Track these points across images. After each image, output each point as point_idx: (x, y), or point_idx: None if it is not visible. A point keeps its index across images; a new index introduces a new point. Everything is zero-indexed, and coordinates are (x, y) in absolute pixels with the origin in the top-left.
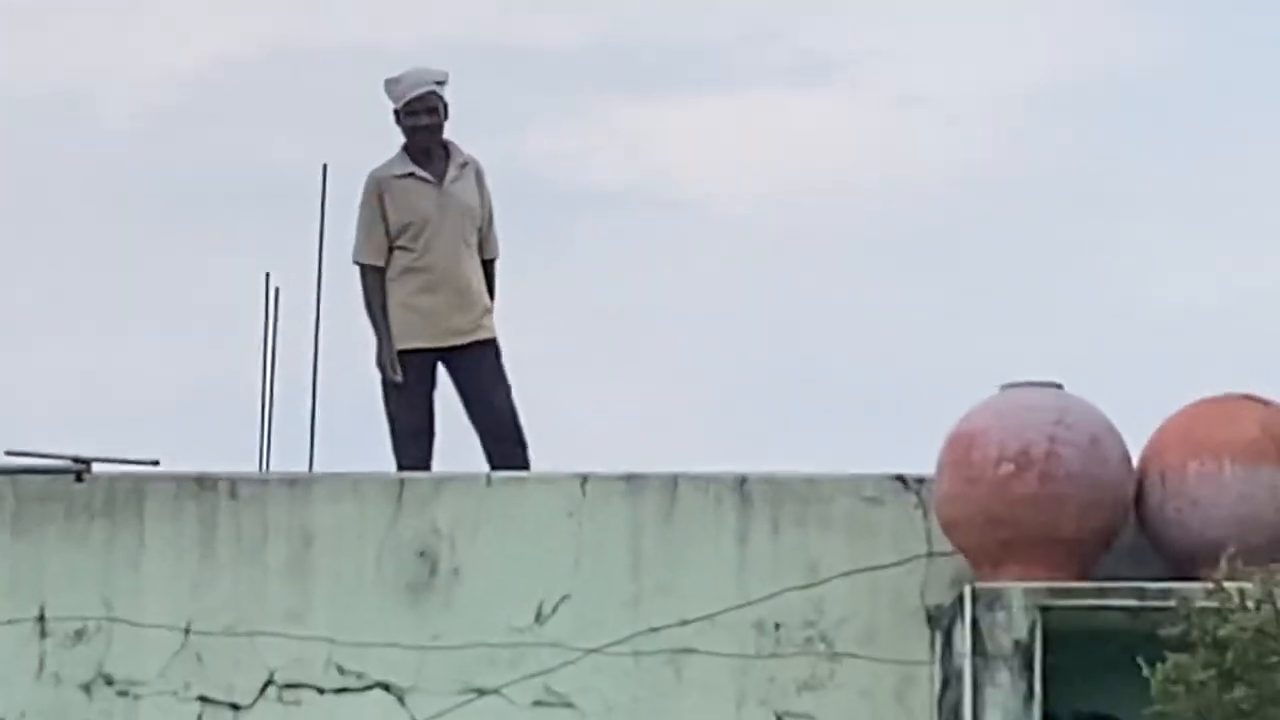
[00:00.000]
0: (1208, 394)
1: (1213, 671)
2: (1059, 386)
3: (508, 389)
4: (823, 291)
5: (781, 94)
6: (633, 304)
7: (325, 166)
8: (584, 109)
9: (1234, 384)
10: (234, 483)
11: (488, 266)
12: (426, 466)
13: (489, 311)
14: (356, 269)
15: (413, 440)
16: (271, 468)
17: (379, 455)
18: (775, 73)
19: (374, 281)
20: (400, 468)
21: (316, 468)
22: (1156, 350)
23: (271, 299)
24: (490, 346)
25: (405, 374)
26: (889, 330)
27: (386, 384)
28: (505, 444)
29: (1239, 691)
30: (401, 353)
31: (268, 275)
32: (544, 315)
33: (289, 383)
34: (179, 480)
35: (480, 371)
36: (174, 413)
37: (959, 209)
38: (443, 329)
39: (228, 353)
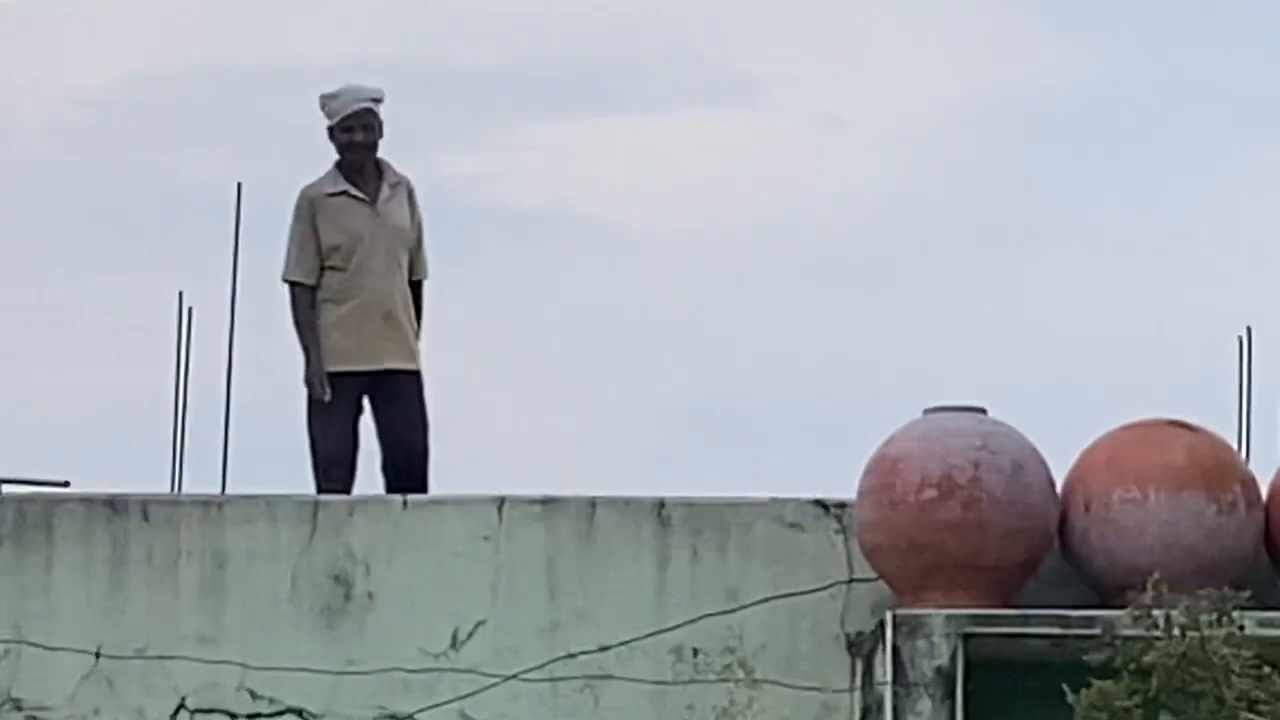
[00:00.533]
0: (1132, 419)
1: (1137, 699)
2: (983, 411)
3: (426, 429)
4: (742, 314)
5: (701, 114)
6: (550, 324)
7: (240, 185)
8: (501, 128)
9: (1158, 411)
10: (146, 504)
11: (415, 288)
12: (347, 492)
13: (417, 337)
14: (286, 287)
15: (334, 465)
16: (184, 489)
17: (293, 477)
18: (695, 93)
19: (304, 300)
20: (320, 492)
21: (229, 489)
22: (1080, 376)
23: (184, 318)
24: (416, 380)
25: (332, 396)
26: (810, 354)
27: (312, 405)
28: (409, 485)
29: (1164, 718)
30: (329, 375)
31: (181, 294)
32: (460, 335)
33: (202, 403)
34: (90, 502)
35: (404, 407)
36: (85, 433)
37: (880, 232)
38: (371, 353)
39: (140, 373)
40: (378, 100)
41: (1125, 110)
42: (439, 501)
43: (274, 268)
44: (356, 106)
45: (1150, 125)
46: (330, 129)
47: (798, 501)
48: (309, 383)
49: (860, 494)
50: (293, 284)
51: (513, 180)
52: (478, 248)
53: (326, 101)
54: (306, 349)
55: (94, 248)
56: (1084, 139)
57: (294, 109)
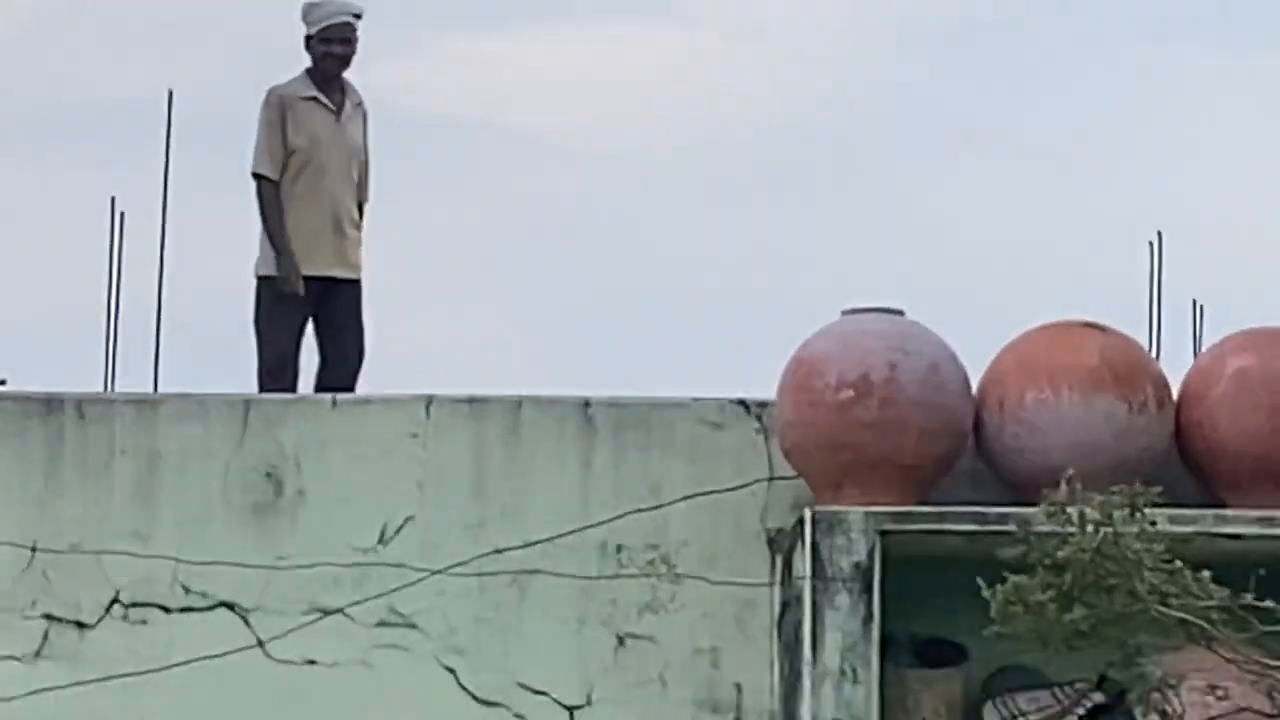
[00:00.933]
0: (1046, 322)
1: (1052, 593)
2: (900, 313)
3: (362, 338)
4: (665, 220)
5: (624, 26)
6: (476, 230)
7: (171, 92)
8: (426, 40)
9: (1071, 313)
10: (81, 403)
11: (358, 210)
12: (291, 390)
13: (359, 250)
14: (253, 180)
15: (282, 364)
16: (117, 389)
17: (225, 377)
18: (618, 5)
19: (271, 194)
20: (263, 390)
21: (162, 389)
22: (996, 280)
23: (117, 222)
24: (357, 290)
25: (284, 297)
26: (731, 257)
27: (263, 303)
28: (341, 389)
29: (1077, 612)
30: (276, 277)
31: (113, 199)
32: (389, 240)
33: (134, 305)
34: (25, 400)
35: (345, 315)
36: (20, 333)
37: (800, 139)
38: (322, 259)
39: (74, 275)
40: (358, 16)
41: (1041, 16)
42: (367, 401)
43: (204, 172)
44: (339, 19)
45: (1066, 31)
46: (308, 38)
47: (719, 401)
48: (282, 276)
49: (780, 394)
50: (260, 177)
51: (438, 90)
52: (404, 155)
53: (309, 10)
54: (276, 243)
55: (28, 154)
56: (1001, 47)
57: (227, 17)
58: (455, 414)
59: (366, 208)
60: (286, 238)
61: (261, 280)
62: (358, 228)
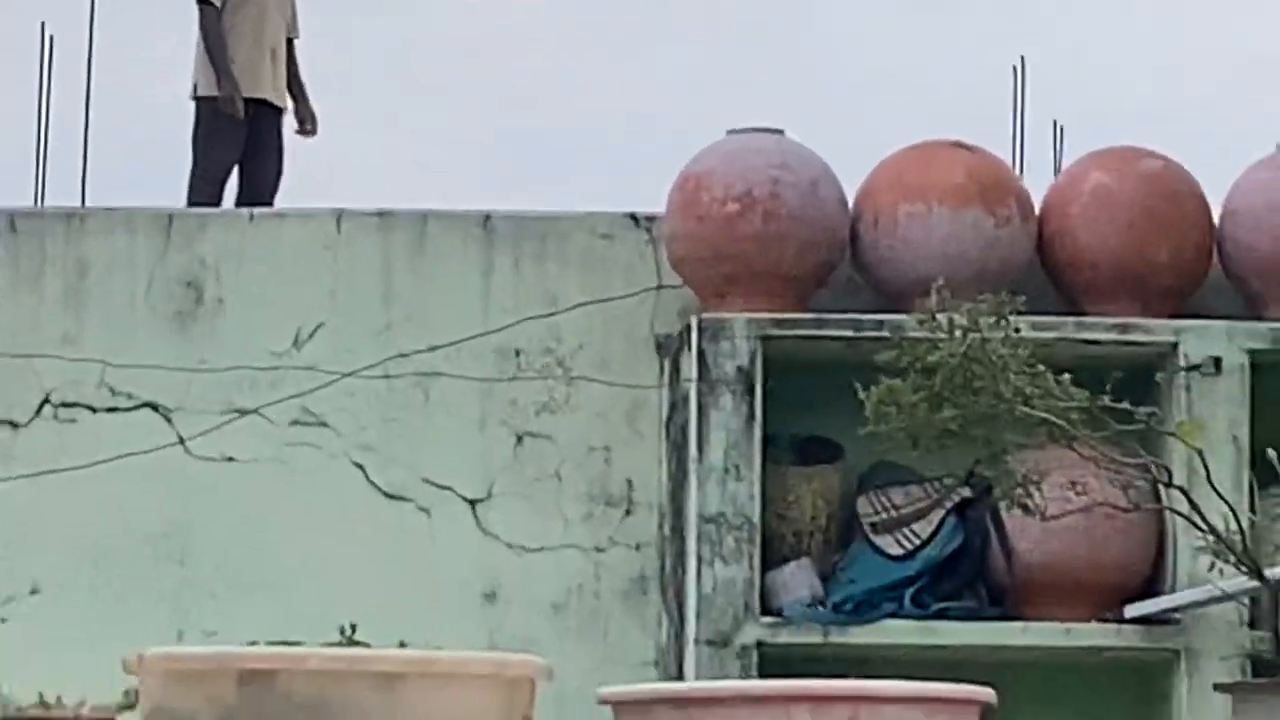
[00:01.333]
0: (917, 141)
1: (922, 395)
2: (781, 133)
3: (283, 159)
4: (564, 41)
5: None
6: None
7: None
8: None
9: (940, 134)
10: (13, 216)
11: (289, 45)
12: (219, 204)
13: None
14: (197, 7)
15: (216, 179)
16: (47, 203)
17: (147, 193)
18: None
19: (213, 18)
20: (192, 204)
21: (89, 203)
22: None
23: (46, 45)
24: (282, 116)
25: (224, 116)
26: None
27: (204, 121)
28: (259, 203)
29: (946, 412)
30: (217, 98)
31: (43, 24)
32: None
33: (63, 123)
34: None
35: (271, 136)
36: None
37: None
38: (262, 82)
39: (5, 96)
40: None
41: None
42: (282, 214)
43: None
44: None
45: None
46: None
47: (611, 215)
48: (225, 98)
49: (668, 208)
50: (204, 3)
51: None
52: None
53: None
54: (219, 66)
55: None
56: None
57: None
58: (364, 227)
59: (297, 44)
60: (229, 61)
61: (201, 100)
62: (287, 61)
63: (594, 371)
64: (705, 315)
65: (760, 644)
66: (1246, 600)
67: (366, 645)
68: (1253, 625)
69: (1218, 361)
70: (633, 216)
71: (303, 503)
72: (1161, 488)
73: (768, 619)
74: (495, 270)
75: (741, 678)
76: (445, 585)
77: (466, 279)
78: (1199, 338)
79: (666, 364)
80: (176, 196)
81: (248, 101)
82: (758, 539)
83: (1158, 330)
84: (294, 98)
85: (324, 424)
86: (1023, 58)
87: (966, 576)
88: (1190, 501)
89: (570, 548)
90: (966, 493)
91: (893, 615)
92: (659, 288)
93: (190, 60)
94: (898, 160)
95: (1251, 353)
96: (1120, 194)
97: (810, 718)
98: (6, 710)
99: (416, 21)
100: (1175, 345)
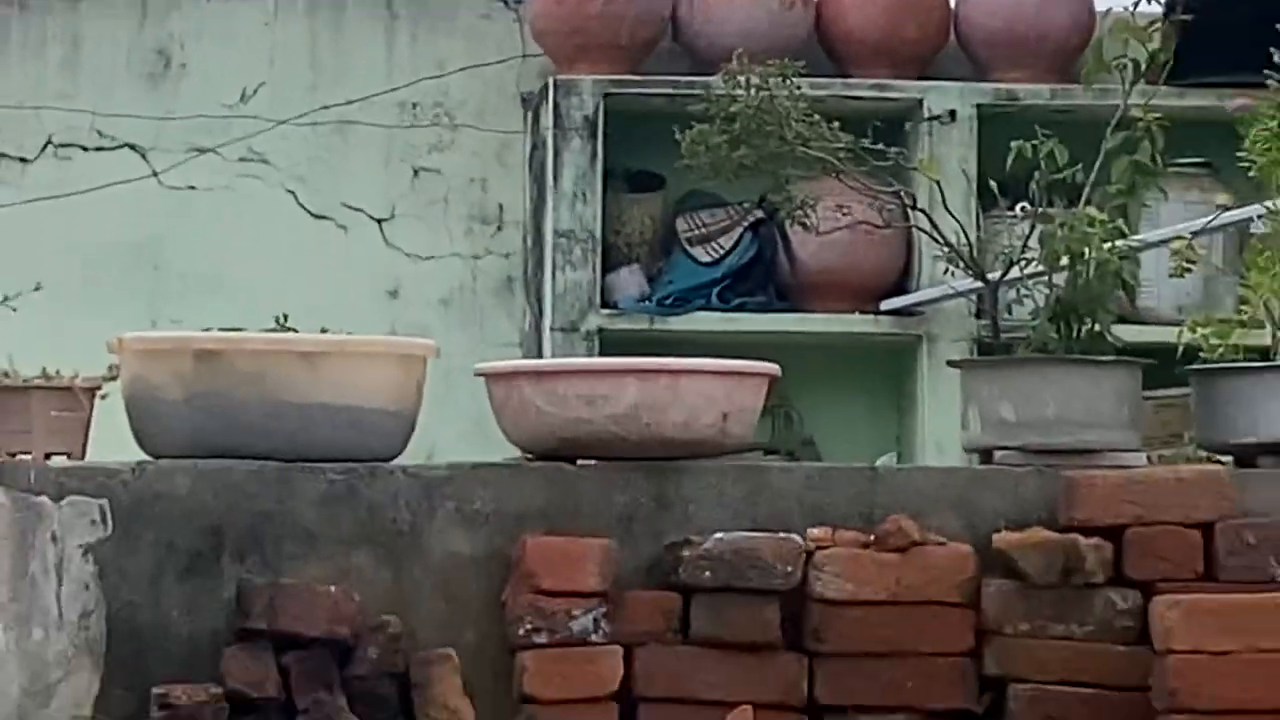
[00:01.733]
0: None
1: (725, 138)
2: None
3: None
4: None
5: None
6: None
7: None
8: None
9: None
10: (20, 2)
11: None
12: None
13: None
14: None
15: None
16: None
17: None
18: None
19: None
20: None
21: None
22: None
23: None
24: None
25: None
26: None
27: None
28: None
29: (743, 151)
30: None
31: None
32: None
33: None
34: None
35: None
36: None
37: None
38: None
39: None
40: None
41: None
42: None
43: None
44: None
45: None
46: None
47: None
48: None
49: None
50: None
51: None
52: None
53: None
54: None
55: None
56: None
57: None
58: (295, 9)
59: None
60: None
61: None
62: None
63: (473, 120)
64: (560, 77)
65: (601, 330)
66: (973, 297)
67: (295, 330)
68: (978, 316)
69: (953, 113)
70: (505, 0)
71: (249, 222)
72: (909, 210)
73: (606, 311)
74: (397, 42)
75: (586, 355)
76: (358, 285)
77: (375, 48)
78: (939, 95)
79: (529, 115)
80: None
81: None
82: (599, 249)
83: (906, 89)
84: None
85: (265, 161)
86: None
87: (760, 279)
88: (930, 220)
89: (454, 256)
90: (760, 214)
91: (703, 308)
92: (524, 56)
93: None
94: None
95: (979, 106)
96: None
97: (638, 384)
98: (14, 380)
99: None
100: (920, 101)
